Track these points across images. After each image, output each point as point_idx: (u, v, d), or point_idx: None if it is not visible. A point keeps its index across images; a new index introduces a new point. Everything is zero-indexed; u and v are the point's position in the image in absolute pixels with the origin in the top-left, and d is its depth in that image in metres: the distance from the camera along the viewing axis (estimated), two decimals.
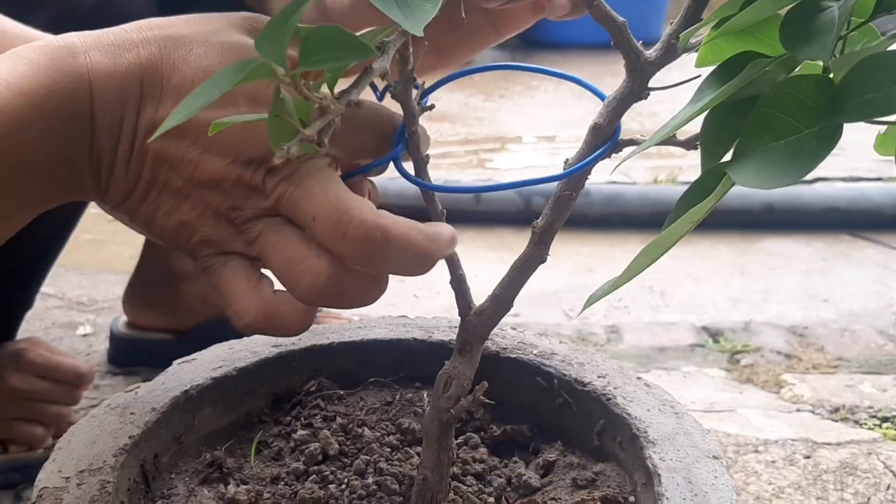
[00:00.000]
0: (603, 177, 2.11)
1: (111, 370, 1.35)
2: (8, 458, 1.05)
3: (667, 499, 0.50)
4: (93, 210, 1.25)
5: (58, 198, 0.48)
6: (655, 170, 2.31)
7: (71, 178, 0.46)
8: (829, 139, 0.35)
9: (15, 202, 0.46)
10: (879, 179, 2.21)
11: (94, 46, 0.45)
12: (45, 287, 1.54)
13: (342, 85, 0.39)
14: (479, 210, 2.04)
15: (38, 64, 0.44)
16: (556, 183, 0.49)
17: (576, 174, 0.48)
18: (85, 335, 1.47)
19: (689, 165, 2.29)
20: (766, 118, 0.36)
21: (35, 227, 1.06)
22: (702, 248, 1.90)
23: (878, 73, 0.34)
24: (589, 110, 0.51)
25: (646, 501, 0.54)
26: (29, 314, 1.21)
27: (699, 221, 0.40)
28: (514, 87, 3.43)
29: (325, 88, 0.36)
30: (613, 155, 0.49)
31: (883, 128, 0.41)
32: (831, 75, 0.37)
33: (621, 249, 1.90)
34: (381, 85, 0.47)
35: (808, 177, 0.37)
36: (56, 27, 0.83)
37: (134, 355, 1.33)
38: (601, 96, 0.49)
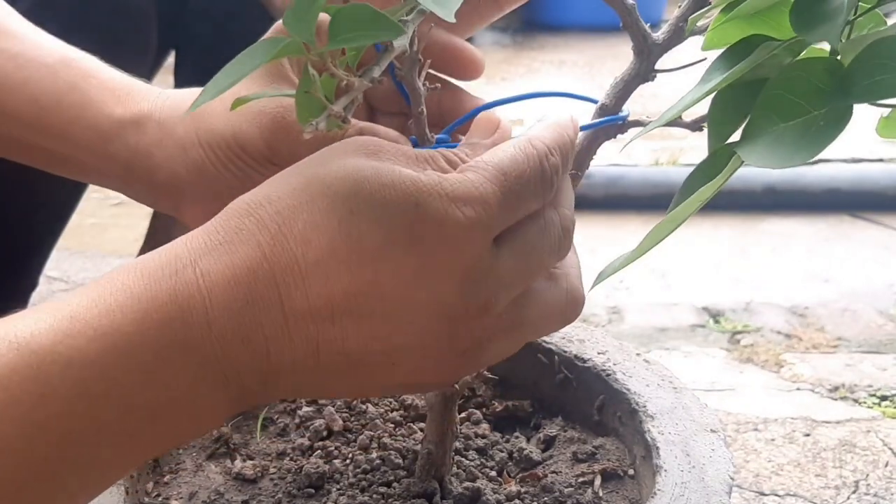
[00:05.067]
0: (605, 159, 2.12)
1: None
2: None
3: (665, 471, 0.51)
4: (95, 194, 1.26)
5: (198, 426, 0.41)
6: (657, 151, 2.31)
7: (203, 405, 0.38)
8: (838, 121, 0.36)
9: (141, 449, 0.39)
10: (881, 160, 2.21)
11: (204, 250, 0.38)
12: (50, 270, 1.55)
13: None
14: None
15: (130, 293, 0.37)
16: None
17: (579, 145, 0.49)
18: None
19: (691, 147, 2.29)
20: (775, 99, 0.37)
21: (36, 207, 1.07)
22: (703, 229, 1.90)
23: (887, 56, 0.35)
24: (591, 94, 0.52)
25: (645, 474, 0.55)
26: (35, 298, 1.22)
27: (707, 200, 0.41)
28: (515, 69, 3.42)
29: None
30: (619, 136, 0.49)
31: (885, 111, 0.42)
32: (839, 58, 0.37)
33: (623, 231, 1.91)
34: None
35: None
36: (37, 13, 0.83)
37: None
38: (595, 103, 0.50)
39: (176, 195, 0.56)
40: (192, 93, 0.57)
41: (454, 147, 0.44)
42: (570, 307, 0.44)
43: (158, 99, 0.57)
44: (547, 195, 0.42)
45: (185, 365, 0.37)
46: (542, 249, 0.42)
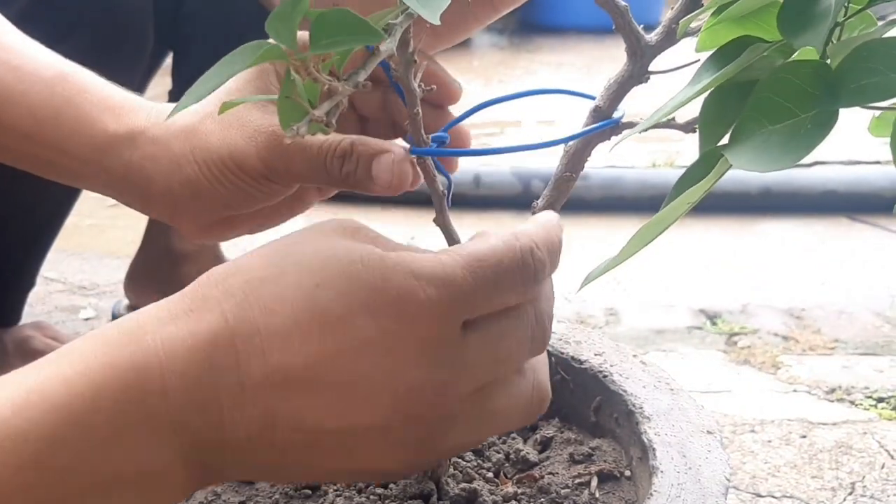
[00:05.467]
0: (601, 161, 2.12)
1: None
2: None
3: (661, 472, 0.51)
4: (92, 195, 1.26)
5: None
6: (653, 154, 2.31)
7: (162, 479, 0.37)
8: (825, 124, 0.36)
9: None
10: (878, 163, 2.22)
11: (168, 318, 0.38)
12: (48, 271, 1.55)
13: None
14: (478, 194, 2.05)
15: (88, 362, 0.36)
16: (556, 166, 0.50)
17: (573, 148, 0.49)
18: (87, 319, 1.48)
19: (687, 149, 2.30)
20: (763, 102, 0.37)
21: (32, 207, 1.07)
22: (700, 232, 1.90)
23: (874, 60, 0.35)
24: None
25: (641, 475, 0.55)
26: (32, 298, 1.22)
27: (696, 203, 0.41)
28: (512, 71, 3.42)
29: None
30: (612, 137, 0.50)
31: (877, 112, 0.42)
32: (828, 61, 0.37)
33: (620, 233, 1.91)
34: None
35: (807, 160, 0.38)
36: (33, 13, 0.83)
37: None
38: (593, 99, 0.50)
39: (170, 207, 0.57)
40: (185, 109, 0.57)
41: (448, 153, 0.45)
42: (536, 403, 0.44)
43: (152, 114, 0.58)
44: (529, 289, 0.42)
45: (141, 433, 0.36)
46: (513, 342, 0.42)
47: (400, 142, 0.54)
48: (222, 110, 0.37)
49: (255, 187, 0.54)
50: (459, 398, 0.40)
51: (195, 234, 0.59)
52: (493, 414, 0.42)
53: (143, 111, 0.58)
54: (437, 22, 0.34)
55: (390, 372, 0.38)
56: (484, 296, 0.40)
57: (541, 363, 0.45)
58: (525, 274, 0.41)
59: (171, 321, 0.38)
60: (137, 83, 1.09)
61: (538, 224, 0.44)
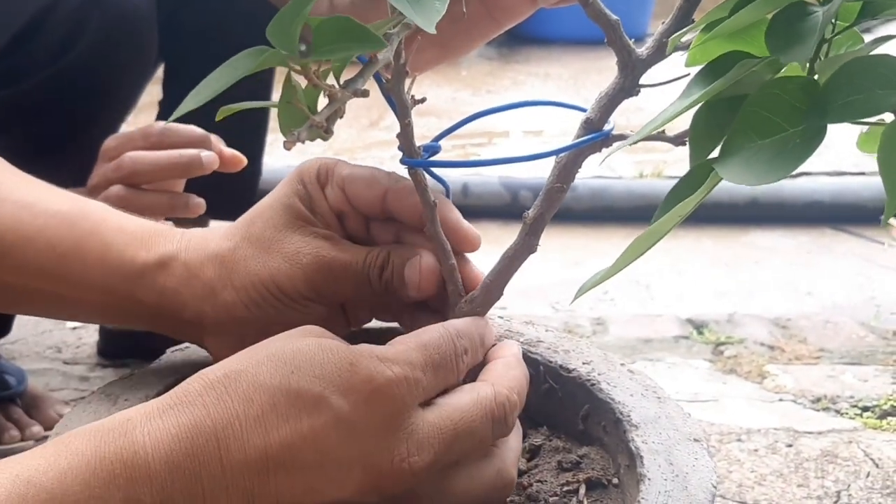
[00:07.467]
0: (590, 171, 2.13)
1: (101, 362, 1.36)
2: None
3: (649, 479, 0.52)
4: None
5: None
6: (641, 164, 2.32)
7: None
8: (812, 139, 0.37)
9: None
10: (862, 174, 2.23)
11: (155, 413, 0.41)
12: None
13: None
14: (466, 204, 2.06)
15: (81, 455, 0.40)
16: (545, 178, 0.51)
17: (564, 160, 0.50)
18: (74, 328, 1.48)
19: (675, 160, 2.31)
20: (753, 117, 0.38)
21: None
22: (687, 242, 1.92)
23: (861, 77, 0.36)
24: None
25: (629, 483, 0.55)
26: None
27: (687, 215, 0.41)
28: (501, 82, 3.44)
29: (331, 77, 0.38)
30: (603, 150, 0.50)
31: (865, 127, 0.43)
32: (816, 77, 0.38)
33: (608, 243, 1.92)
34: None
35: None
36: (41, 21, 0.83)
37: (124, 347, 1.34)
38: (583, 111, 0.51)
39: (200, 330, 0.57)
40: (214, 231, 0.58)
41: (438, 164, 0.46)
42: (499, 488, 0.48)
43: (182, 240, 0.57)
44: (461, 367, 0.48)
45: None
46: (470, 417, 0.45)
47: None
48: (220, 115, 0.38)
49: (295, 309, 0.55)
50: (420, 472, 0.43)
51: (225, 355, 0.59)
52: (453, 495, 0.45)
53: (173, 237, 0.58)
54: (432, 31, 0.35)
55: (360, 446, 0.42)
56: (433, 374, 0.45)
57: (510, 448, 0.49)
58: (456, 354, 0.47)
59: (158, 416, 0.41)
60: (139, 92, 1.08)
61: (466, 319, 0.51)
